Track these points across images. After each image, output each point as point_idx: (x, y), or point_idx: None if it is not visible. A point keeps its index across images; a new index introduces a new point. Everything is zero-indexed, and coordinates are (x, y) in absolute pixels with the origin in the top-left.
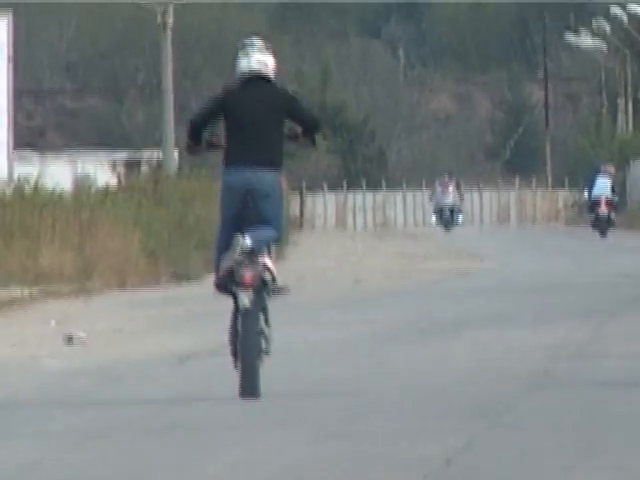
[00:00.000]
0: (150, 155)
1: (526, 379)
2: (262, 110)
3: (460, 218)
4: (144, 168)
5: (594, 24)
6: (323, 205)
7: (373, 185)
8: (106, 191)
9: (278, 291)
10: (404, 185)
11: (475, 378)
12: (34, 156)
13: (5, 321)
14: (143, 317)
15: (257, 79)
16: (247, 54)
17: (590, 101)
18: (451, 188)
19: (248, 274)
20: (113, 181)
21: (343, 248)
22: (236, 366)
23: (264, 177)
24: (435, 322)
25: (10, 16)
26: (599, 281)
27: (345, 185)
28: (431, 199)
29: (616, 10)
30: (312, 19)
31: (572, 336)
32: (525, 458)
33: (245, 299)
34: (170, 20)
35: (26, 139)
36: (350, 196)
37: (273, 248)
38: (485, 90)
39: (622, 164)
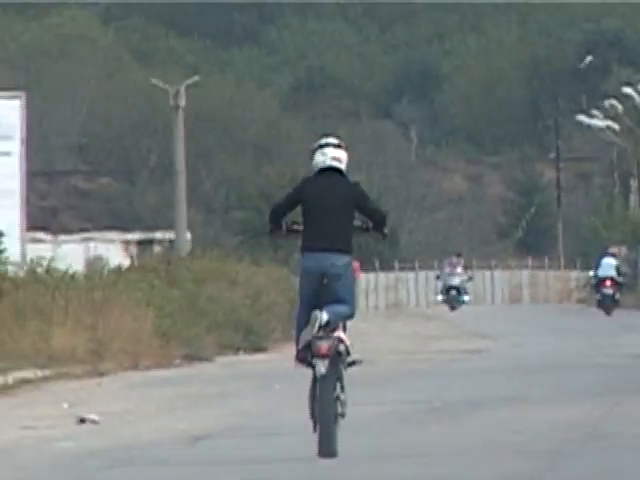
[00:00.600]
0: (162, 236)
1: (538, 460)
2: (335, 201)
3: (466, 298)
4: (157, 249)
5: (606, 104)
6: None
7: (386, 266)
8: (119, 272)
9: (353, 363)
10: (416, 265)
11: (487, 458)
12: (47, 237)
13: (17, 402)
14: (155, 398)
15: (332, 172)
16: (323, 152)
17: (602, 181)
18: (459, 269)
19: (324, 345)
20: (126, 262)
21: (356, 329)
22: (315, 429)
23: (337, 261)
24: (448, 402)
25: (23, 97)
26: (613, 362)
27: (358, 266)
28: (439, 278)
29: (628, 90)
30: (324, 100)
31: (586, 417)
32: None
33: (322, 367)
34: (182, 101)
35: (39, 220)
36: (363, 276)
37: (348, 324)
38: (497, 170)
39: (634, 245)
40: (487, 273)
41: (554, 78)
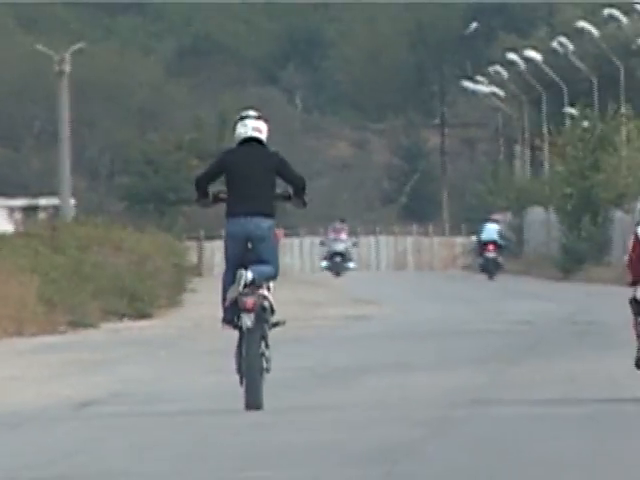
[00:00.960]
0: (47, 202)
1: (425, 425)
2: (257, 169)
3: (351, 264)
4: (41, 215)
5: (491, 70)
6: (221, 252)
7: None
8: (3, 238)
9: (276, 324)
10: (301, 232)
11: (374, 425)
12: None
13: None
14: (41, 365)
15: (252, 143)
16: (244, 123)
17: (487, 147)
18: (343, 235)
19: (250, 300)
20: (10, 228)
21: None
22: (241, 383)
23: (260, 224)
24: (333, 369)
25: None
26: (496, 328)
27: None
28: (323, 244)
29: (513, 56)
30: (209, 66)
31: (470, 384)
32: None
33: (247, 321)
34: (67, 68)
35: None
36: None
37: (271, 284)
38: (382, 137)
39: (519, 211)
40: (372, 239)
41: (439, 44)
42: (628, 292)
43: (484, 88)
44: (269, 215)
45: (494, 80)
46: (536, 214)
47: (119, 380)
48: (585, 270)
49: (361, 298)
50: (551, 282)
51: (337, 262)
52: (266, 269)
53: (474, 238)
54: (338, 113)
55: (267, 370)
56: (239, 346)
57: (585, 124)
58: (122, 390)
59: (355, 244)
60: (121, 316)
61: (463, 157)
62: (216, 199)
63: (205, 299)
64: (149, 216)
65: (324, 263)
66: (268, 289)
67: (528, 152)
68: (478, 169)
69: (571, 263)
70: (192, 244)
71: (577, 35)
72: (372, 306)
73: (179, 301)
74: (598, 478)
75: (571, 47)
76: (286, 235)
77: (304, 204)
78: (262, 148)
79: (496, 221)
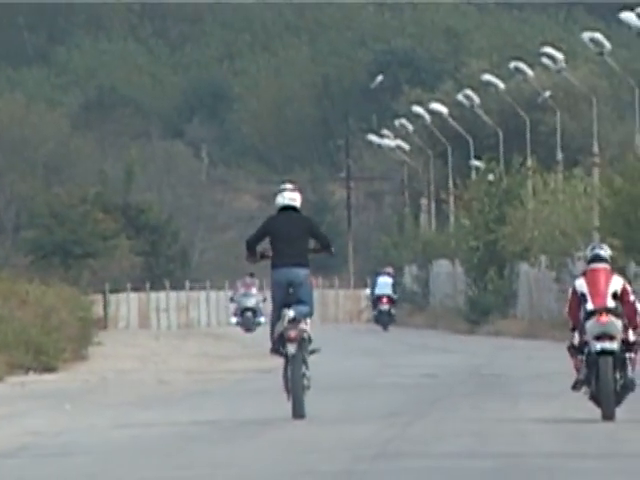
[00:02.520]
0: None
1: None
2: (294, 230)
3: (262, 319)
4: None
5: (397, 124)
6: (127, 305)
7: (177, 285)
8: None
9: (313, 351)
10: (207, 285)
11: (277, 478)
12: None
13: None
14: None
15: (289, 210)
16: (282, 195)
17: (393, 200)
18: (254, 289)
19: (293, 332)
20: None
21: (147, 348)
22: (288, 398)
23: (299, 273)
24: (239, 422)
25: None
26: (403, 381)
27: (148, 285)
28: (232, 300)
29: (418, 109)
30: (114, 119)
31: (376, 436)
32: None
33: (292, 349)
34: None
35: None
36: (153, 296)
37: (308, 320)
38: None
39: (425, 263)
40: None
41: (345, 98)
42: (533, 345)
43: (390, 141)
44: (305, 265)
45: (400, 133)
46: (442, 267)
47: (24, 433)
48: (491, 323)
49: (266, 351)
50: (457, 335)
51: (248, 318)
52: (304, 308)
53: (367, 291)
54: (244, 166)
55: (308, 387)
56: (285, 369)
57: (491, 177)
58: (27, 443)
59: (266, 298)
60: (27, 370)
61: (369, 210)
62: (262, 256)
63: (111, 352)
64: (55, 269)
65: (234, 319)
66: (306, 323)
67: (434, 205)
68: (384, 222)
69: (477, 316)
70: (98, 297)
71: (483, 88)
72: (278, 359)
73: (85, 354)
74: None
75: (477, 100)
76: (191, 289)
77: (331, 254)
78: (297, 214)
79: (389, 274)
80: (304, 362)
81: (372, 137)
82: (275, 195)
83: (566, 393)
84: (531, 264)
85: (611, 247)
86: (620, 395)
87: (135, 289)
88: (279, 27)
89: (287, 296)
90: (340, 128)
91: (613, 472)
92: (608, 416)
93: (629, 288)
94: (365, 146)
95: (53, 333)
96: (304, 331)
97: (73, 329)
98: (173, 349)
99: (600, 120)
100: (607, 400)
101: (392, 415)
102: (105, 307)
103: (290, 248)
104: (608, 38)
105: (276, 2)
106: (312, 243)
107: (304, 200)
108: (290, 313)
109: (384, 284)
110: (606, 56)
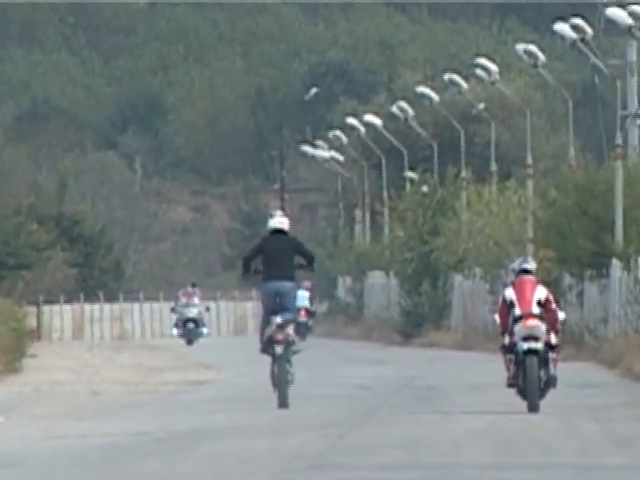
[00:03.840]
0: None
1: None
2: (282, 249)
3: (205, 330)
4: None
5: (331, 135)
6: (60, 317)
7: (110, 297)
8: None
9: (296, 352)
10: (141, 296)
11: None
12: None
13: None
14: None
15: (278, 232)
16: (273, 219)
17: (327, 212)
18: (196, 299)
19: (280, 336)
20: None
21: (80, 360)
22: (274, 391)
23: (285, 285)
24: (172, 434)
25: None
26: (337, 393)
27: (82, 297)
28: (173, 310)
29: (353, 121)
30: (48, 131)
31: (310, 448)
32: None
33: (279, 349)
34: None
35: None
36: (87, 307)
37: (291, 325)
38: (222, 201)
39: (359, 275)
40: (212, 304)
41: (279, 109)
42: (467, 356)
43: (324, 153)
44: (291, 279)
45: (334, 145)
46: (376, 278)
47: None
48: (425, 334)
49: (201, 363)
50: (392, 346)
51: (190, 329)
52: (289, 315)
53: None
54: (178, 178)
55: (292, 382)
56: (272, 367)
57: (425, 189)
58: None
59: (208, 309)
60: None
61: (303, 222)
62: (256, 272)
63: (45, 364)
64: None
65: (175, 331)
66: (291, 329)
67: (368, 217)
68: (318, 233)
69: (411, 327)
70: (31, 309)
71: (417, 100)
72: (211, 371)
73: (18, 366)
74: None
75: (411, 112)
76: (125, 300)
77: (312, 270)
78: (285, 235)
79: (306, 287)
80: (288, 361)
81: (306, 148)
82: (267, 218)
83: (500, 404)
84: (465, 275)
85: (545, 259)
86: (543, 390)
87: (69, 301)
88: (213, 38)
89: (275, 305)
90: (274, 139)
91: None
92: (533, 408)
93: (551, 297)
94: (299, 157)
95: None
96: (289, 335)
97: (6, 341)
98: (107, 360)
99: (534, 132)
100: (532, 394)
101: (326, 426)
102: (39, 318)
103: (278, 264)
104: (542, 50)
105: (210, 15)
106: (298, 259)
107: (237, 211)
108: (277, 319)
109: (301, 297)
110: (540, 68)
